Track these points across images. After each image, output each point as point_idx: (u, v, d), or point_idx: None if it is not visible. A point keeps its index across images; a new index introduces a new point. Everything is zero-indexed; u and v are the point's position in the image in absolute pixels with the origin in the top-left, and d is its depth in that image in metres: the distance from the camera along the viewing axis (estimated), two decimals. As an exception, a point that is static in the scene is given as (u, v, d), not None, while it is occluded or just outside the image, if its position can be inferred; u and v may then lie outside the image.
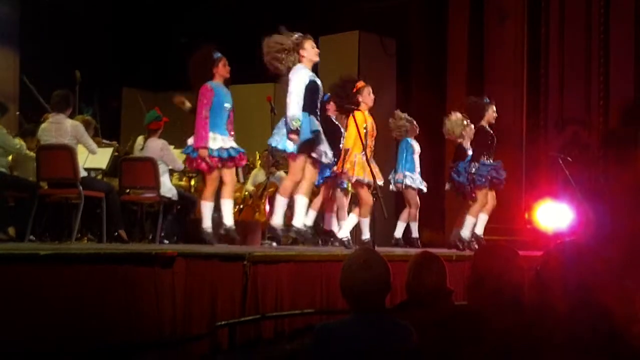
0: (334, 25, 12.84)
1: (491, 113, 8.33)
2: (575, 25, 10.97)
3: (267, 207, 9.61)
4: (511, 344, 2.68)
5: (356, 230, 8.00)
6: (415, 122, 9.00)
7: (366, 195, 7.31)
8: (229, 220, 6.73)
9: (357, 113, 7.07)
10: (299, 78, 6.57)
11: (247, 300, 4.90)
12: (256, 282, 4.98)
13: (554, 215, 8.87)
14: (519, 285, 2.99)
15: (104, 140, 8.43)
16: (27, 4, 11.21)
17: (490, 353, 2.71)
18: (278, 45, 6.60)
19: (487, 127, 8.30)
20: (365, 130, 7.20)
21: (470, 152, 8.50)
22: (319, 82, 6.73)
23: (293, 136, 6.44)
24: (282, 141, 6.55)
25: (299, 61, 6.65)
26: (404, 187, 8.83)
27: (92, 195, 7.14)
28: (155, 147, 7.60)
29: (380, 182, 7.29)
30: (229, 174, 6.80)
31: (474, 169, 8.14)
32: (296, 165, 6.61)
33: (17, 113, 8.44)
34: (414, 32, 12.57)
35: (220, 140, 6.67)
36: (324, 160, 6.78)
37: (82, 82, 8.48)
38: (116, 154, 8.16)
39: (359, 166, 7.30)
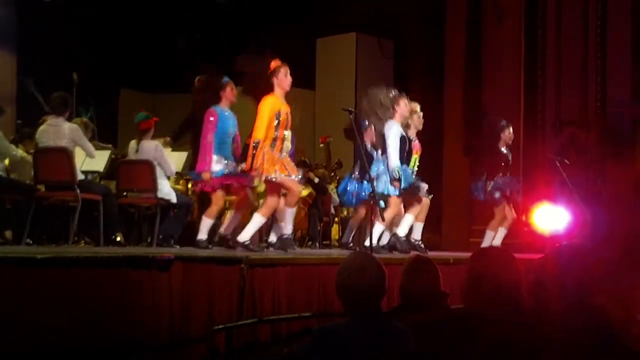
0: (332, 27, 12.86)
1: (507, 135, 8.74)
2: (573, 27, 10.98)
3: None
4: (508, 346, 2.68)
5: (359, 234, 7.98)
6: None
7: (290, 184, 6.57)
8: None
9: (268, 98, 6.50)
10: (394, 133, 7.44)
11: (245, 304, 4.89)
12: (253, 285, 4.98)
13: (551, 217, 8.87)
14: (515, 287, 2.98)
15: (100, 144, 8.41)
16: (24, 6, 11.20)
17: (487, 355, 2.71)
18: (377, 101, 7.42)
19: (504, 148, 8.70)
20: (277, 120, 6.50)
21: (415, 143, 8.08)
22: (405, 134, 7.58)
23: (396, 183, 7.39)
24: (386, 187, 7.41)
25: (392, 117, 7.44)
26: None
27: (90, 198, 7.13)
28: (149, 147, 7.53)
29: (294, 177, 6.69)
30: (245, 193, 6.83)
31: (489, 187, 8.55)
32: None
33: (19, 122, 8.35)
34: (412, 33, 12.58)
35: (223, 164, 6.74)
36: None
37: (79, 84, 8.46)
38: (113, 156, 8.15)
39: (269, 162, 6.46)
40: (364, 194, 7.65)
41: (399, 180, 7.41)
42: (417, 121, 7.94)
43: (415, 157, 7.96)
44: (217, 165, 6.70)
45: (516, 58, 11.28)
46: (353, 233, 7.98)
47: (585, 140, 10.71)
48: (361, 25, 12.73)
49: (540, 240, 8.75)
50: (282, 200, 6.76)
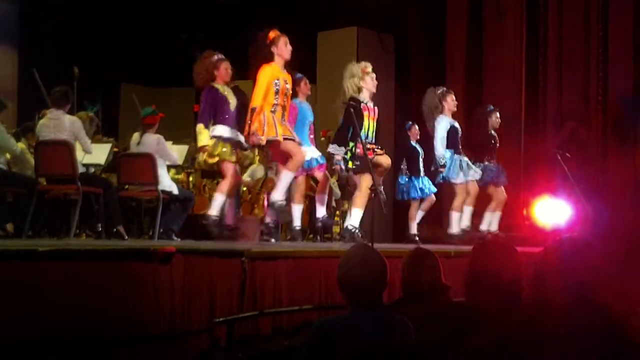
0: (333, 21, 12.83)
1: (494, 119, 9.02)
2: (574, 22, 10.97)
3: (266, 203, 9.59)
4: (509, 340, 2.68)
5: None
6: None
7: (293, 148, 6.59)
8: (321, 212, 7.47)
9: (267, 66, 6.55)
10: (442, 126, 8.39)
11: (245, 297, 4.89)
12: (254, 278, 4.98)
13: (552, 211, 8.89)
14: (516, 281, 2.98)
15: (104, 138, 8.43)
16: (26, 0, 11.19)
17: (488, 349, 2.71)
18: (430, 104, 8.44)
19: (492, 131, 8.98)
20: (276, 88, 6.54)
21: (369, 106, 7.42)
22: (457, 125, 8.54)
23: (442, 169, 8.41)
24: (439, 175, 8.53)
25: (442, 112, 8.40)
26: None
27: (91, 191, 7.14)
28: (151, 141, 7.56)
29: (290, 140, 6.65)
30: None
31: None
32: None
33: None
34: (413, 28, 12.56)
35: (307, 151, 7.19)
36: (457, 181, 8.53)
37: (80, 78, 8.46)
38: (115, 150, 8.16)
39: (269, 125, 6.46)
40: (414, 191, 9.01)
41: (444, 166, 8.37)
42: (371, 83, 7.28)
43: (369, 122, 7.20)
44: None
45: (517, 52, 11.27)
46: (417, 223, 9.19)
47: (587, 135, 10.71)
48: (362, 19, 12.71)
49: (542, 234, 8.75)
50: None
